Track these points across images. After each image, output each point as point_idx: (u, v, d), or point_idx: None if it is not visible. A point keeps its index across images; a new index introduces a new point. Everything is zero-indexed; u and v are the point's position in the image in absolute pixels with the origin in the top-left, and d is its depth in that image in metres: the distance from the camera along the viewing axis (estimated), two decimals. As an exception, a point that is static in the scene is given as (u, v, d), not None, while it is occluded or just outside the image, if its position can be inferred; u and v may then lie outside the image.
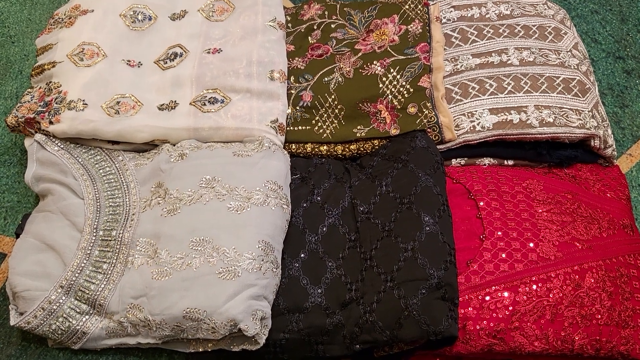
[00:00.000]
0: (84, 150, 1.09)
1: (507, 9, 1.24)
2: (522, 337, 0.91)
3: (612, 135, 1.12)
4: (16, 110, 1.10)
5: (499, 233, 0.98)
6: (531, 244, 0.96)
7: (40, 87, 1.14)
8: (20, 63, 1.38)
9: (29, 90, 1.15)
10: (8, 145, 1.25)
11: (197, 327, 0.89)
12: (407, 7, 1.22)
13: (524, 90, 1.11)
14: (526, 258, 0.95)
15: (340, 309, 0.94)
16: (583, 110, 1.09)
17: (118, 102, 1.09)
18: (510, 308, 0.91)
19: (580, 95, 1.11)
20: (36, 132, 1.10)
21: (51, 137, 1.09)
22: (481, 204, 1.02)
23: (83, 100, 1.07)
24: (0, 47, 1.40)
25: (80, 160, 1.07)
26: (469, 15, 1.24)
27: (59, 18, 1.22)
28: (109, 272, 0.97)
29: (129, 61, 1.15)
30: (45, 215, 1.03)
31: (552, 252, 0.96)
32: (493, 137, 1.09)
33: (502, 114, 1.09)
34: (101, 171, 1.07)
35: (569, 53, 1.17)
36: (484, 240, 0.97)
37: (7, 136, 1.26)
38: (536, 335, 0.91)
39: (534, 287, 0.93)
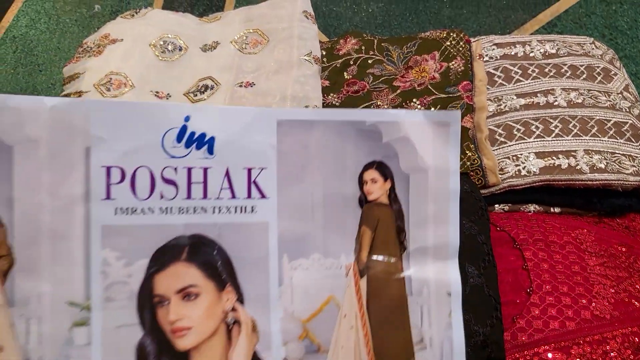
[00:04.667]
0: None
1: (552, 48, 1.18)
2: (575, 404, 0.83)
3: (668, 184, 1.05)
4: (39, 140, 1.06)
5: (548, 287, 0.90)
6: (584, 301, 0.89)
7: (65, 117, 1.10)
8: (47, 92, 1.35)
9: (54, 120, 1.11)
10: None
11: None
12: (449, 43, 1.17)
13: (573, 133, 1.05)
14: (579, 316, 0.87)
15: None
16: (637, 156, 1.02)
17: (145, 135, 1.05)
18: (562, 371, 0.84)
19: (633, 140, 1.04)
20: (59, 163, 1.05)
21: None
22: (527, 254, 0.94)
23: (109, 132, 1.03)
24: (27, 75, 1.38)
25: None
26: (513, 53, 1.19)
27: (88, 47, 1.18)
28: None
29: (157, 92, 1.11)
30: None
31: (607, 311, 0.88)
32: (540, 183, 1.02)
33: (550, 158, 1.03)
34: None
35: (620, 95, 1.10)
36: (531, 294, 0.90)
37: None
38: (591, 403, 0.83)
39: (588, 349, 0.85)
